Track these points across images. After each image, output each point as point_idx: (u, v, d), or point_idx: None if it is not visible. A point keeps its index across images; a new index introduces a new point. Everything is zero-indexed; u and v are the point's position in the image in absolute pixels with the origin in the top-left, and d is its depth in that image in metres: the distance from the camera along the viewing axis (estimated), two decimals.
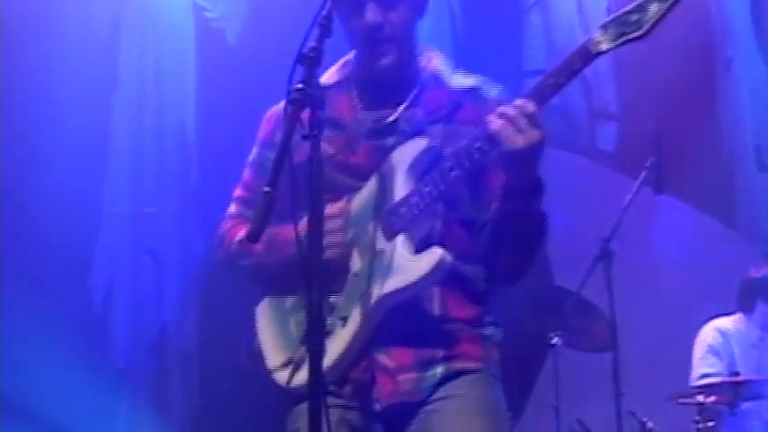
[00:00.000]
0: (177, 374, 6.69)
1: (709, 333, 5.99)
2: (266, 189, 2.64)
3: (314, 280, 2.67)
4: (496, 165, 3.06)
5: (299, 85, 2.69)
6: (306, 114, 2.70)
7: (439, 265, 3.03)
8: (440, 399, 3.13)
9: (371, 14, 3.16)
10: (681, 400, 5.40)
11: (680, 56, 7.01)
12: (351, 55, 3.37)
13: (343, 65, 3.36)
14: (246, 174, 3.48)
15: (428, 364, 3.14)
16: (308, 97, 2.69)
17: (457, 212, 3.20)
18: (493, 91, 3.28)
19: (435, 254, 3.04)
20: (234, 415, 6.21)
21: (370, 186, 3.19)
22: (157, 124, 6.84)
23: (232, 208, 3.48)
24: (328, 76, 3.31)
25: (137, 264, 6.75)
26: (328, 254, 3.03)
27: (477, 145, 2.97)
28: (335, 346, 3.12)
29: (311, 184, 2.72)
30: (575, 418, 5.45)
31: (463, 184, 3.10)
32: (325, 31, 2.77)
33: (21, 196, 6.28)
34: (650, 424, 5.24)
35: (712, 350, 5.91)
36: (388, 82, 3.28)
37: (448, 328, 3.17)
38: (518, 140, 2.88)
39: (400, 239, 3.09)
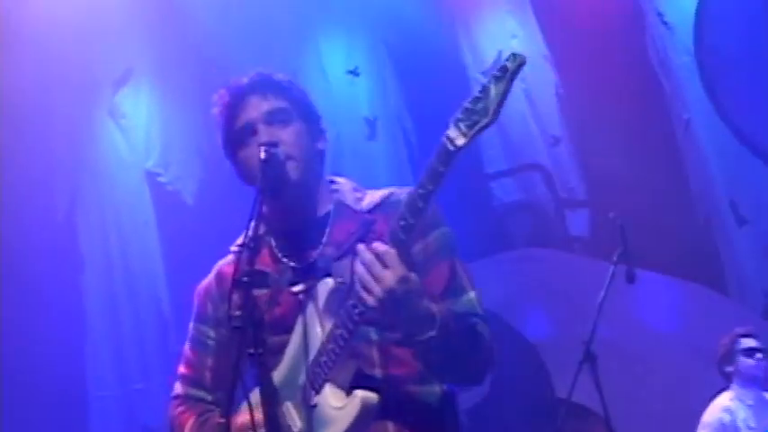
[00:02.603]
0: None
1: (716, 415, 5.90)
2: (221, 420, 2.73)
3: None
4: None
5: (238, 313, 2.75)
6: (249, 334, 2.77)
7: (362, 410, 2.93)
8: None
9: (264, 135, 3.10)
10: None
11: (638, 129, 7.02)
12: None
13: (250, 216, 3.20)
14: (187, 350, 3.40)
15: None
16: (247, 320, 2.75)
17: (395, 332, 3.02)
18: (403, 194, 3.06)
19: (356, 399, 2.93)
20: None
21: (294, 339, 3.09)
22: (130, 296, 6.84)
23: (178, 387, 3.40)
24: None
25: None
26: None
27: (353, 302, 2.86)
28: None
29: (262, 397, 2.86)
30: None
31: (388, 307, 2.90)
32: (255, 254, 2.84)
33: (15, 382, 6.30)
34: None
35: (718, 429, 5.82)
36: (299, 214, 3.19)
37: None
38: (375, 290, 2.79)
39: (327, 390, 2.99)
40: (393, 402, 2.99)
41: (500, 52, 7.20)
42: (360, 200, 3.20)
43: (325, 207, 3.19)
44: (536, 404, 5.77)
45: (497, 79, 2.67)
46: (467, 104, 2.69)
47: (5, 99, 6.54)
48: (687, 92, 7.29)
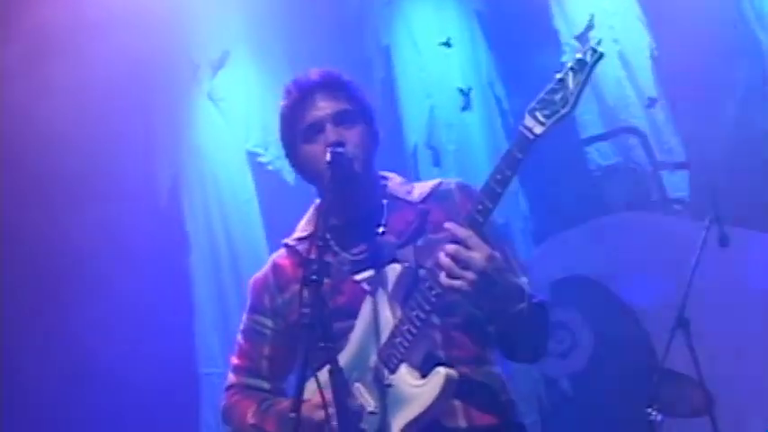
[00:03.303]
0: None
1: None
2: (292, 415, 2.86)
3: None
4: None
5: (307, 310, 2.91)
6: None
7: (447, 385, 3.08)
8: None
9: (332, 134, 3.29)
10: None
11: (734, 85, 6.90)
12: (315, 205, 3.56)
13: (314, 214, 3.53)
14: (241, 341, 3.61)
15: None
16: (316, 318, 2.90)
17: (455, 318, 3.26)
18: (452, 183, 3.46)
19: (440, 375, 3.09)
20: None
21: (361, 323, 3.27)
22: (235, 276, 6.97)
23: (231, 377, 3.60)
24: (304, 227, 3.55)
25: None
26: None
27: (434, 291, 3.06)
28: None
29: (333, 385, 3.00)
30: None
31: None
32: (324, 253, 3.00)
33: (118, 362, 6.45)
34: None
35: None
36: (359, 209, 3.39)
37: None
38: (467, 275, 2.96)
39: (403, 370, 3.14)
40: (458, 382, 3.15)
41: (592, 16, 7.16)
42: (409, 192, 3.44)
43: (379, 201, 3.40)
44: (637, 370, 5.77)
45: (575, 71, 2.80)
46: (543, 95, 2.91)
47: (104, 86, 6.69)
48: None
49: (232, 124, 7.31)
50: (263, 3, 7.34)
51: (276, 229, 7.01)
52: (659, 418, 5.34)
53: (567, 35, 7.28)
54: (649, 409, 5.32)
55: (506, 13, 7.38)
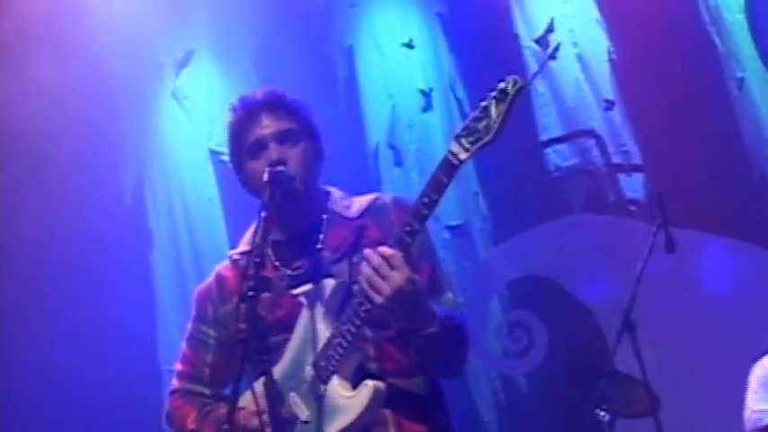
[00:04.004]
0: None
1: (760, 365, 5.86)
2: (225, 427, 3.02)
3: None
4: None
5: (243, 326, 3.03)
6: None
7: (374, 396, 3.24)
8: None
9: (274, 152, 3.41)
10: None
11: (691, 89, 7.00)
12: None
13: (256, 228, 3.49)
14: (185, 348, 3.77)
15: None
16: (252, 333, 3.05)
17: (386, 330, 3.36)
18: (387, 197, 3.58)
19: (368, 387, 3.24)
20: None
21: (297, 336, 3.39)
22: (197, 273, 7.01)
23: (175, 383, 3.78)
24: (248, 240, 3.54)
25: None
26: None
27: (360, 300, 3.18)
28: None
29: (267, 393, 3.22)
30: None
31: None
32: (261, 267, 3.14)
33: (79, 358, 6.54)
34: None
35: (763, 384, 5.76)
36: (299, 225, 3.50)
37: None
38: (384, 290, 3.06)
39: (335, 381, 3.28)
40: (388, 393, 3.29)
41: (552, 19, 7.24)
42: (348, 207, 3.55)
43: (319, 216, 3.52)
44: (592, 369, 5.85)
45: (497, 101, 2.90)
46: (468, 122, 3.01)
47: (69, 85, 6.74)
48: (741, 50, 7.21)
49: (196, 123, 7.39)
50: (228, 1, 7.40)
51: (238, 227, 7.04)
52: (607, 418, 5.44)
53: (527, 38, 7.36)
54: (598, 410, 5.43)
55: (467, 15, 7.46)
